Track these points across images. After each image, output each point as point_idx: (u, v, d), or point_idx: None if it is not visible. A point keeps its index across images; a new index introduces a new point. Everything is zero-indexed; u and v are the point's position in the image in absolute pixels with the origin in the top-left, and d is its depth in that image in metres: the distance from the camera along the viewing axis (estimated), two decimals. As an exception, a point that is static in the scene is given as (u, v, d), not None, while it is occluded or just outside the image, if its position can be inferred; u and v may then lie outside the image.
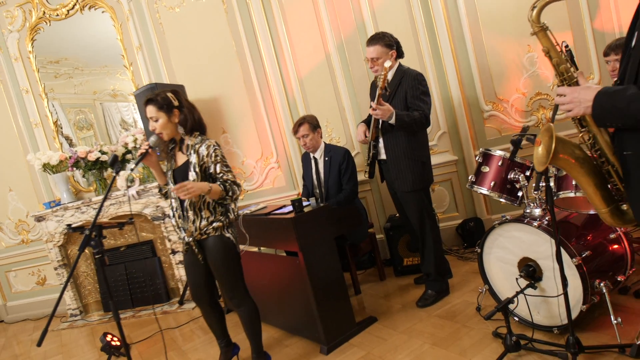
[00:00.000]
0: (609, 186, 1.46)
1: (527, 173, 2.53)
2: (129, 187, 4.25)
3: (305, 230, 2.67)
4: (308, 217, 2.71)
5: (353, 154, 3.65)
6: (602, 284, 2.14)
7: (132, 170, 2.32)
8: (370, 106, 2.73)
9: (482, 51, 3.74)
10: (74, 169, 4.38)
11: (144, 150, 2.33)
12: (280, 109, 4.16)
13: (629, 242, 2.34)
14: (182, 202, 2.40)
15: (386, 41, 2.86)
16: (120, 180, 4.23)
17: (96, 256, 2.07)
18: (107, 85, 4.74)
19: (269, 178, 4.34)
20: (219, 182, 2.31)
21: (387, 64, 2.57)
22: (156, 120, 2.34)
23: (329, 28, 3.97)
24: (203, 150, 2.35)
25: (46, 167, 4.41)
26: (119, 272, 4.57)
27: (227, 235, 2.41)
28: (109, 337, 3.49)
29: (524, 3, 3.59)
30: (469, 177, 2.69)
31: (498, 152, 2.61)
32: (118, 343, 3.50)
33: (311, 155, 3.49)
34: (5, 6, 4.60)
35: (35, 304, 5.00)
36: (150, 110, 2.32)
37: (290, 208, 2.81)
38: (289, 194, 4.24)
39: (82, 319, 4.57)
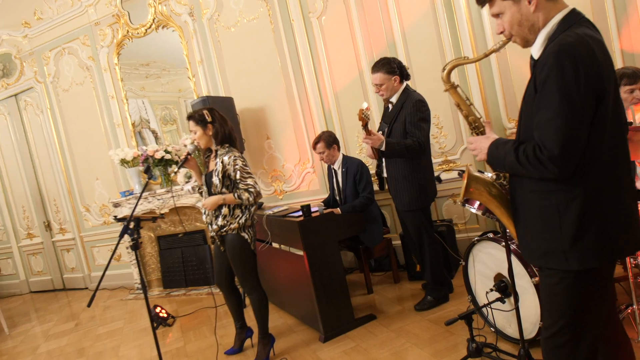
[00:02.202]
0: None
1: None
2: (186, 182, 4.91)
3: (310, 233, 3.07)
4: (313, 221, 3.11)
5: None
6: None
7: (175, 172, 2.89)
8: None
9: (506, 70, 3.85)
10: (144, 164, 5.14)
11: (184, 157, 2.88)
12: (316, 120, 4.58)
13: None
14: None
15: (387, 68, 3.12)
16: (180, 176, 4.91)
17: (132, 242, 2.62)
18: (189, 84, 5.42)
19: (305, 181, 4.78)
20: (234, 192, 2.79)
21: (364, 105, 2.86)
22: (195, 133, 2.87)
23: (362, 47, 4.30)
24: (226, 159, 2.83)
25: (123, 162, 5.22)
26: (177, 255, 5.29)
27: (243, 234, 2.88)
28: (157, 309, 4.18)
29: (550, 25, 3.65)
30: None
31: (487, 174, 2.80)
32: (165, 315, 4.18)
33: (331, 167, 3.88)
34: (99, 26, 5.49)
35: (112, 276, 5.92)
36: (190, 124, 2.88)
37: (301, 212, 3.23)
38: (322, 196, 4.64)
39: (146, 292, 5.36)
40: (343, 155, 3.84)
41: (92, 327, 4.59)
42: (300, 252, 3.13)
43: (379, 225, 3.74)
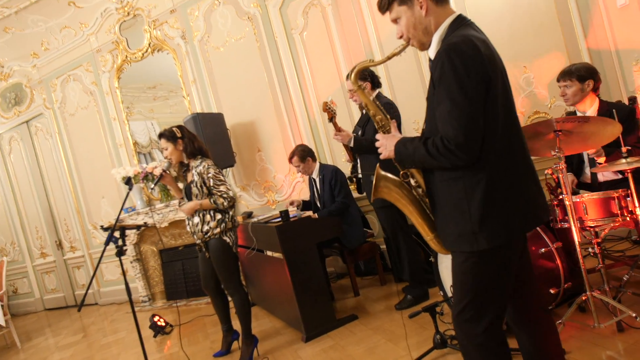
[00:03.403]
0: (431, 216, 1.63)
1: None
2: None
3: (288, 237, 3.22)
4: (291, 226, 3.26)
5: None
6: (520, 294, 2.38)
7: (151, 189, 3.10)
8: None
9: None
10: (144, 181, 5.38)
11: (158, 174, 3.09)
12: (303, 130, 4.76)
13: (560, 257, 2.52)
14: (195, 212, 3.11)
15: (360, 75, 3.31)
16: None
17: (116, 249, 2.80)
18: (184, 103, 5.63)
19: (296, 190, 4.94)
20: (210, 198, 2.99)
21: (329, 98, 3.09)
22: (166, 149, 3.08)
23: (342, 58, 4.49)
24: (200, 169, 3.04)
25: (126, 179, 5.46)
26: (178, 267, 5.49)
27: (225, 238, 3.07)
28: (156, 318, 4.35)
29: (516, 27, 3.78)
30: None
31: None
32: (163, 324, 4.34)
33: (311, 177, 4.06)
34: (100, 52, 5.82)
35: (119, 291, 6.14)
36: (162, 142, 3.08)
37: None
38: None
39: (149, 304, 5.57)
40: (320, 163, 4.02)
41: (98, 338, 4.78)
42: (281, 256, 3.28)
43: (359, 227, 3.87)
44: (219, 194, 2.98)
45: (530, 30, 3.76)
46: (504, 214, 1.44)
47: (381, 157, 1.63)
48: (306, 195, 4.90)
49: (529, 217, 1.49)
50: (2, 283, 5.20)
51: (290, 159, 4.03)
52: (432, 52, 1.54)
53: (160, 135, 3.10)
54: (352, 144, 3.16)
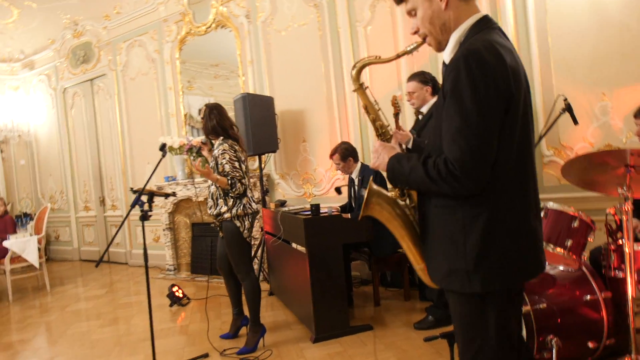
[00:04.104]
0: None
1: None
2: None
3: (314, 231, 3.09)
4: (319, 221, 3.13)
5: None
6: (553, 341, 2.13)
7: (193, 159, 3.14)
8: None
9: (550, 95, 3.66)
10: (188, 153, 5.43)
11: (198, 146, 3.10)
12: (352, 128, 4.60)
13: (607, 309, 2.23)
14: (211, 194, 3.12)
15: (421, 78, 3.15)
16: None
17: (141, 213, 2.79)
18: (238, 82, 5.63)
19: (334, 187, 4.80)
20: (228, 179, 2.94)
21: (398, 93, 2.85)
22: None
23: (404, 59, 4.28)
24: (215, 152, 3.06)
25: (170, 149, 5.55)
26: (206, 243, 5.50)
27: (237, 223, 3.01)
28: (174, 288, 4.37)
29: (602, 52, 3.43)
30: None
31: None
32: (181, 295, 4.36)
33: (351, 176, 3.90)
34: (167, 22, 5.93)
35: (150, 255, 6.23)
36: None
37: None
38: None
39: (174, 274, 5.63)
40: (362, 164, 3.85)
41: (120, 296, 4.89)
42: (304, 250, 3.16)
43: (391, 236, 3.65)
44: (237, 178, 2.96)
45: (617, 55, 3.40)
46: (505, 256, 1.22)
47: (371, 165, 1.47)
48: (343, 194, 4.76)
49: (531, 264, 1.28)
50: (43, 227, 5.42)
51: (331, 155, 3.90)
52: (447, 55, 1.32)
53: (199, 113, 3.19)
54: (409, 145, 2.97)
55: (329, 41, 4.68)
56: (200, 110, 3.17)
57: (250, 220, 3.07)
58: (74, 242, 7.50)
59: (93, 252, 7.22)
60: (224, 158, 2.98)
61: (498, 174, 1.21)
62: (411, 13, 1.37)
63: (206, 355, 2.97)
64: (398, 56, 1.45)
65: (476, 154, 1.16)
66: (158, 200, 6.22)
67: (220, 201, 3.02)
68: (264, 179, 5.03)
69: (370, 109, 1.50)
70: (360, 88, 1.50)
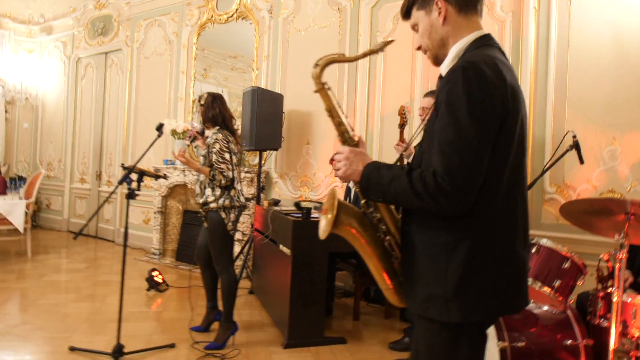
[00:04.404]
0: (393, 260, 1.31)
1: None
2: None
3: (301, 234, 3.02)
4: (308, 224, 3.06)
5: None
6: (528, 381, 2.05)
7: (187, 146, 3.09)
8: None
9: (560, 130, 3.58)
10: (189, 139, 5.38)
11: (193, 136, 3.06)
12: (357, 136, 4.54)
13: (587, 357, 2.15)
14: (199, 182, 3.07)
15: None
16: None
17: (128, 191, 2.72)
18: (252, 75, 5.57)
19: (331, 194, 4.73)
20: (211, 170, 2.92)
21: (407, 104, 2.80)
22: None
23: (419, 75, 4.23)
24: (209, 140, 3.01)
25: (173, 132, 5.50)
26: (195, 232, 5.41)
27: (222, 214, 2.96)
28: (155, 273, 4.30)
29: (618, 95, 3.37)
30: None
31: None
32: (160, 280, 4.28)
33: (347, 185, 3.85)
34: (190, 6, 5.91)
35: (136, 236, 6.20)
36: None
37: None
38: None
39: (158, 258, 5.56)
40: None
41: (98, 273, 4.82)
42: (289, 253, 3.09)
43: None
44: (219, 169, 2.91)
45: (633, 101, 3.34)
46: (488, 285, 1.14)
47: (338, 173, 1.29)
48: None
49: (515, 297, 1.20)
50: (33, 193, 5.36)
51: (331, 161, 3.83)
52: (444, 68, 1.26)
53: (199, 99, 3.15)
54: (410, 160, 2.91)
55: (347, 47, 4.64)
56: (200, 97, 3.11)
57: (236, 213, 3.00)
58: (65, 213, 7.45)
59: (81, 225, 7.14)
60: (214, 147, 2.93)
61: (488, 196, 1.14)
62: (414, 28, 1.34)
63: (172, 346, 2.89)
64: (364, 55, 1.37)
65: (469, 170, 1.09)
66: (153, 183, 6.18)
67: (208, 190, 2.97)
68: (263, 176, 4.97)
69: (335, 113, 1.36)
70: (323, 89, 1.36)
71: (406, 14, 1.36)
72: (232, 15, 5.52)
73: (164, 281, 4.29)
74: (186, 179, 5.40)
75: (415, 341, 1.28)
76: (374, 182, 1.22)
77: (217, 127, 3.05)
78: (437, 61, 1.32)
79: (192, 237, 5.44)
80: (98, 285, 4.35)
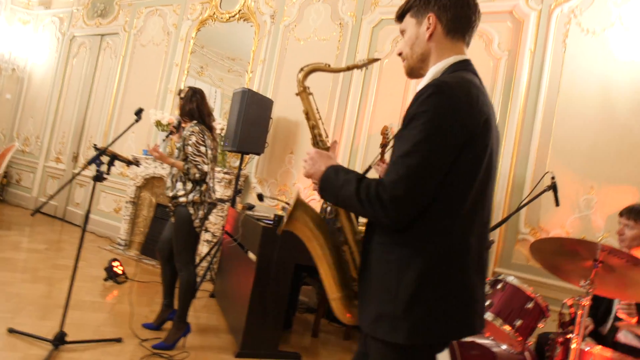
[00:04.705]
0: (346, 271, 1.30)
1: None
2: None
3: (269, 242, 2.94)
4: (276, 232, 2.98)
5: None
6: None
7: (163, 140, 3.06)
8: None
9: (541, 171, 3.59)
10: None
11: (169, 131, 3.07)
12: (342, 154, 4.51)
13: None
14: (169, 173, 3.02)
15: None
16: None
17: (96, 173, 2.62)
18: (245, 77, 5.52)
19: (307, 207, 4.67)
20: (185, 164, 2.85)
21: (391, 125, 2.81)
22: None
23: (411, 99, 4.23)
24: (185, 133, 2.95)
25: (158, 123, 5.41)
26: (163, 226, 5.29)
27: (190, 210, 2.88)
28: (115, 263, 4.15)
29: (600, 146, 3.41)
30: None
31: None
32: (120, 272, 4.14)
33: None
34: (193, 0, 5.87)
35: (103, 224, 6.04)
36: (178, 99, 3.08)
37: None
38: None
39: (123, 249, 5.40)
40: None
41: (57, 257, 4.64)
42: (255, 259, 3.01)
43: (348, 271, 3.53)
44: (194, 163, 2.84)
45: (614, 153, 3.38)
46: (439, 308, 1.11)
47: (304, 172, 1.34)
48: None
49: (465, 322, 1.16)
50: (2, 165, 5.18)
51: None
52: (420, 87, 1.24)
53: (179, 93, 3.10)
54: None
55: (343, 62, 4.63)
56: (181, 91, 3.06)
57: (205, 210, 2.93)
58: (34, 191, 7.22)
59: (50, 206, 6.93)
60: (190, 139, 2.87)
61: (448, 217, 1.13)
62: (402, 33, 1.35)
63: (119, 340, 2.76)
64: (348, 68, 1.43)
65: (412, 184, 1.08)
66: (130, 172, 6.04)
67: (179, 184, 2.90)
68: (242, 179, 4.89)
69: (312, 116, 1.41)
70: (305, 92, 1.43)
71: (400, 16, 1.36)
72: (234, 15, 5.49)
73: (123, 273, 4.15)
74: (164, 172, 5.29)
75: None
76: (330, 183, 1.23)
77: (194, 122, 2.99)
78: (411, 73, 1.34)
79: (160, 232, 5.28)
80: (55, 269, 4.18)
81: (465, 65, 1.26)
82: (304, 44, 4.96)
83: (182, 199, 2.86)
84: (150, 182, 5.54)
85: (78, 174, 2.83)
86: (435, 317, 1.11)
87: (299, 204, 1.33)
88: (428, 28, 1.26)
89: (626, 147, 3.35)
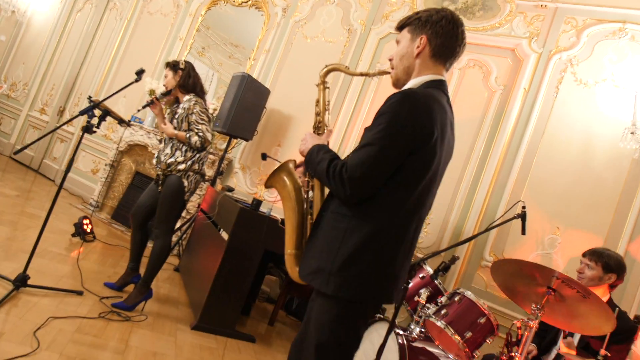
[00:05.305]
0: (303, 234, 1.56)
1: (438, 299, 2.55)
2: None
3: (244, 223, 2.99)
4: (254, 216, 3.04)
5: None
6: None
7: (138, 111, 3.08)
8: None
9: (514, 202, 3.76)
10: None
11: (149, 100, 3.01)
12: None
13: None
14: (167, 143, 3.00)
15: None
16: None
17: (86, 123, 2.63)
18: (247, 63, 5.58)
19: (286, 200, 4.73)
20: (186, 132, 2.88)
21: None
22: (166, 77, 3.07)
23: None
24: (186, 105, 2.97)
25: (151, 92, 5.39)
26: (139, 194, 5.27)
27: (184, 181, 2.90)
28: (86, 221, 4.12)
29: (573, 190, 3.59)
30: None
31: (428, 268, 2.68)
32: (88, 230, 4.11)
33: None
34: (209, -21, 5.89)
35: (78, 183, 5.96)
36: (166, 70, 3.09)
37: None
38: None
39: (93, 211, 5.34)
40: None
41: (26, 205, 4.57)
42: (226, 238, 3.05)
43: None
44: (196, 130, 2.90)
45: (584, 200, 3.56)
46: (366, 273, 1.36)
47: (299, 149, 1.58)
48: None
49: (385, 290, 1.41)
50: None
51: (297, 166, 3.84)
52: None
53: (166, 64, 3.10)
54: None
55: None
56: (180, 62, 3.06)
57: (195, 181, 2.96)
58: (13, 137, 7.08)
59: (26, 156, 6.81)
60: (195, 108, 2.92)
61: (394, 204, 1.36)
62: (397, 42, 1.56)
63: (80, 293, 2.76)
64: (361, 74, 1.68)
65: (366, 171, 1.32)
66: (114, 135, 6.00)
67: (178, 152, 2.92)
68: (225, 162, 4.92)
69: (321, 105, 1.65)
70: (323, 84, 1.65)
71: (400, 27, 1.56)
72: (247, 1, 5.54)
73: (92, 232, 4.12)
74: (149, 141, 5.28)
75: (307, 316, 1.50)
76: (312, 158, 1.49)
77: (192, 94, 3.02)
78: (397, 83, 1.55)
79: (135, 200, 5.25)
80: (22, 215, 4.12)
81: (438, 84, 1.47)
82: (310, 42, 5.04)
83: (182, 166, 2.89)
84: (133, 149, 5.52)
85: (66, 122, 2.81)
86: (362, 279, 1.35)
87: (284, 168, 1.60)
88: (418, 47, 1.48)
89: (596, 198, 3.53)
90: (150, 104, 2.99)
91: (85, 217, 4.12)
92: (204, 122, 2.92)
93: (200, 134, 2.89)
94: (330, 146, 4.63)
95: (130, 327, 2.60)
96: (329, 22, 4.98)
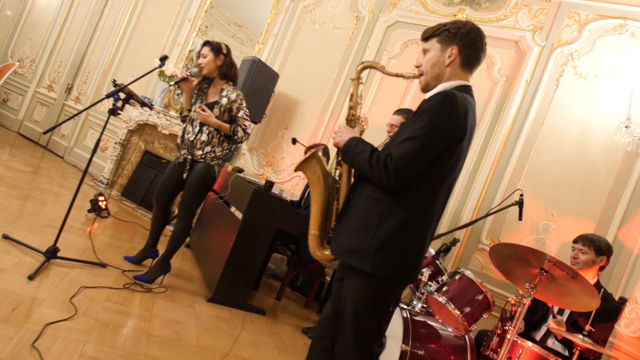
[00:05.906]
0: (328, 217, 1.71)
1: (439, 278, 2.75)
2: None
3: (258, 203, 3.17)
4: (267, 197, 3.22)
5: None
6: (415, 386, 2.30)
7: (170, 86, 3.07)
8: None
9: (512, 189, 3.95)
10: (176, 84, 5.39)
11: (185, 75, 3.00)
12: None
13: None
14: (201, 128, 3.03)
15: (407, 115, 3.31)
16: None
17: (112, 106, 2.78)
18: (255, 47, 5.70)
19: (292, 182, 4.91)
20: (232, 125, 3.02)
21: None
22: (205, 57, 3.03)
23: (410, 101, 4.51)
24: (233, 97, 3.05)
25: (161, 73, 5.50)
26: (149, 175, 5.43)
27: (215, 169, 3.06)
28: (101, 197, 4.28)
29: (568, 179, 3.77)
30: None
31: (430, 249, 2.88)
32: (103, 206, 4.27)
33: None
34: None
35: (87, 160, 6.09)
36: (205, 49, 3.05)
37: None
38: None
39: (104, 188, 5.50)
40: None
41: (39, 180, 4.72)
42: (240, 217, 3.23)
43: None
44: (243, 126, 3.05)
45: (578, 189, 3.75)
46: (400, 255, 1.53)
47: (333, 141, 1.70)
48: (297, 192, 4.87)
49: (413, 271, 1.59)
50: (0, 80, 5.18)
51: (307, 150, 4.00)
52: (429, 95, 1.65)
53: (207, 43, 3.06)
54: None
55: (352, 54, 4.85)
56: (219, 45, 3.03)
57: (219, 168, 3.11)
58: (20, 114, 7.17)
59: (35, 131, 6.92)
60: (242, 103, 3.07)
61: (426, 194, 1.54)
62: (424, 51, 1.69)
63: (104, 265, 2.95)
64: (397, 75, 1.72)
65: (411, 162, 1.48)
66: (124, 114, 6.09)
67: (216, 140, 3.02)
68: (233, 143, 5.07)
69: (354, 98, 1.76)
70: (357, 79, 1.76)
71: (427, 38, 1.69)
72: (255, -15, 5.61)
73: (106, 208, 4.30)
74: (159, 121, 5.41)
75: (344, 292, 1.63)
76: (351, 150, 1.62)
77: (231, 84, 3.12)
78: (427, 87, 1.69)
79: (144, 178, 5.44)
80: (37, 191, 4.28)
81: (467, 89, 1.64)
82: (318, 28, 5.15)
83: (217, 154, 3.04)
84: (142, 128, 5.65)
85: (96, 104, 2.95)
86: (396, 260, 1.53)
87: (315, 156, 1.75)
88: (449, 57, 1.63)
89: (590, 186, 3.73)
90: (183, 79, 2.97)
91: (101, 194, 4.29)
92: (248, 117, 3.09)
93: (248, 130, 3.07)
94: (342, 117, 4.73)
95: (152, 297, 2.79)
96: (338, 9, 5.07)
